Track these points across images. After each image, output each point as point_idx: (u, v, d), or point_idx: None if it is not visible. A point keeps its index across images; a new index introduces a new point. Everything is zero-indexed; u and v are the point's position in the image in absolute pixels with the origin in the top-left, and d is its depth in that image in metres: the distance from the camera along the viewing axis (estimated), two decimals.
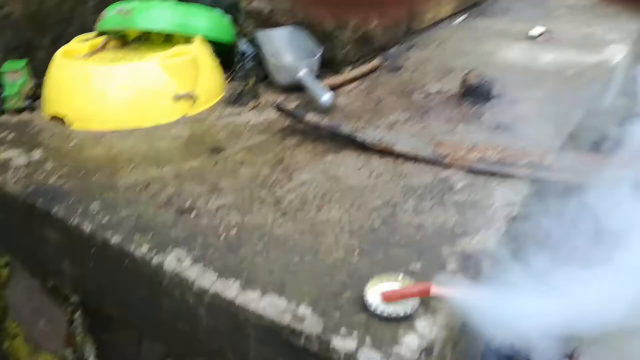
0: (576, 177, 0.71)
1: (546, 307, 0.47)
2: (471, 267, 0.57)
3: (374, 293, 0.52)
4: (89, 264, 0.67)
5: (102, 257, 0.64)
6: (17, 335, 1.21)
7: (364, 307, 0.51)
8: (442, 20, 1.51)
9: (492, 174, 0.73)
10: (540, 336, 0.46)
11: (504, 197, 0.69)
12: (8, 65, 1.01)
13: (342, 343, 0.48)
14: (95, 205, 0.69)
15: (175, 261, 0.58)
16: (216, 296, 0.54)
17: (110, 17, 1.06)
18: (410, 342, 0.48)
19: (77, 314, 1.01)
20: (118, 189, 0.73)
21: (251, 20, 1.24)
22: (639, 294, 0.47)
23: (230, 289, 0.54)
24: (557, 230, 0.58)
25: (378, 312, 0.50)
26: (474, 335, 0.52)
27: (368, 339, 0.48)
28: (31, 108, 0.99)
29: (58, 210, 0.68)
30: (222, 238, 0.62)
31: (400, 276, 0.54)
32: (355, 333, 0.49)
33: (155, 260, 0.59)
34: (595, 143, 0.97)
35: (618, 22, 1.53)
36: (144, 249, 0.61)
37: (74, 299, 0.99)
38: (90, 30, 1.21)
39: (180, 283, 0.57)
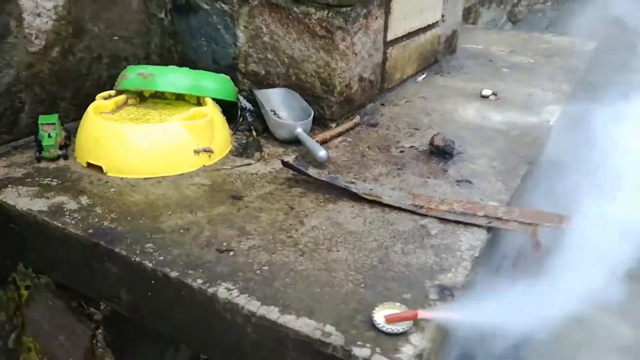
0: (522, 229, 0.93)
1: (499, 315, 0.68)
2: (447, 296, 0.78)
3: (379, 316, 0.72)
4: (147, 292, 0.83)
5: (161, 288, 0.81)
6: (31, 349, 1.33)
7: (373, 326, 0.71)
8: (407, 78, 1.76)
9: (458, 222, 0.95)
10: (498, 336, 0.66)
11: (468, 241, 0.91)
12: (43, 119, 1.16)
13: (360, 351, 0.67)
14: (149, 246, 0.86)
15: (226, 292, 0.76)
16: (262, 318, 0.73)
17: (132, 79, 1.23)
18: (407, 350, 0.68)
19: (99, 330, 1.16)
20: (165, 232, 0.90)
21: (248, 80, 1.44)
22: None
23: (272, 313, 0.73)
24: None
25: (383, 330, 0.70)
26: (449, 346, 0.73)
27: (378, 349, 0.68)
28: (65, 156, 1.15)
29: (120, 249, 0.85)
30: (257, 273, 0.81)
31: (398, 304, 0.74)
32: (368, 344, 0.68)
33: (210, 291, 0.77)
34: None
35: (554, 82, 1.83)
36: (199, 282, 0.78)
37: (98, 316, 1.14)
38: (103, 83, 1.38)
39: (231, 308, 0.75)
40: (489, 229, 0.94)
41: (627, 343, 2.48)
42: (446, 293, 0.78)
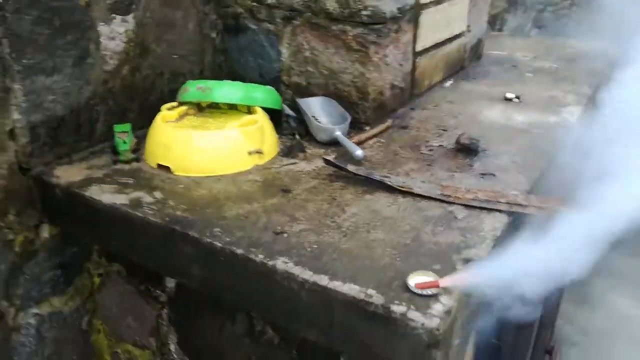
0: (539, 212, 1.06)
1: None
2: (473, 267, 0.91)
3: (412, 282, 0.86)
4: (216, 267, 0.99)
5: (229, 263, 0.97)
6: (100, 331, 1.51)
7: (408, 289, 0.85)
8: (435, 84, 1.89)
9: (482, 209, 1.08)
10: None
11: (491, 224, 1.04)
12: (118, 128, 1.35)
13: (397, 308, 0.81)
14: (217, 230, 1.02)
15: (283, 264, 0.92)
16: (314, 284, 0.88)
17: (192, 92, 1.40)
18: (437, 307, 0.81)
19: (165, 310, 1.33)
20: (228, 219, 1.06)
21: (290, 90, 1.60)
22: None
23: (322, 280, 0.88)
24: None
25: (417, 292, 0.84)
26: (475, 304, 0.86)
27: (412, 306, 0.82)
28: (137, 159, 1.33)
29: (193, 233, 1.01)
30: (308, 250, 0.96)
31: (429, 272, 0.88)
32: (404, 303, 0.82)
33: (270, 264, 0.92)
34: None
35: (574, 85, 1.93)
36: (261, 257, 0.94)
37: (163, 298, 1.31)
38: (165, 96, 1.57)
39: (288, 277, 0.90)
40: (510, 214, 1.07)
41: None
42: (471, 264, 0.91)
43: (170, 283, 1.28)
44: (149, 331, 1.40)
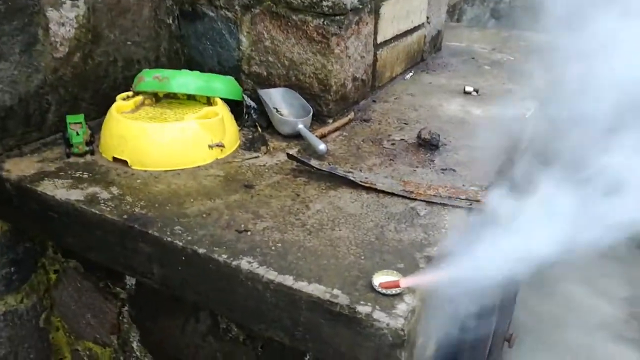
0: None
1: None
2: (433, 265, 0.92)
3: (377, 281, 0.86)
4: (177, 267, 0.97)
5: (190, 262, 0.95)
6: (59, 328, 1.46)
7: (372, 289, 0.85)
8: (396, 77, 1.90)
9: (444, 205, 1.10)
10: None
11: (451, 221, 1.05)
12: (71, 119, 1.28)
13: (362, 308, 0.82)
14: (177, 228, 1.00)
15: (247, 264, 0.90)
16: (279, 284, 0.87)
17: (148, 82, 1.35)
18: (401, 307, 0.82)
19: (125, 308, 1.30)
20: (189, 216, 1.04)
21: (251, 80, 1.57)
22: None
23: (287, 280, 0.87)
24: None
25: (381, 292, 0.85)
26: (439, 303, 0.88)
27: (377, 306, 0.82)
28: (92, 152, 1.27)
29: (153, 231, 0.98)
30: (273, 249, 0.95)
31: (393, 271, 0.89)
32: (369, 303, 0.83)
33: (234, 264, 0.91)
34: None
35: (531, 79, 1.98)
36: (224, 256, 0.92)
37: (123, 295, 1.28)
38: (120, 85, 1.51)
39: (252, 277, 0.89)
40: (469, 210, 1.09)
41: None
42: (433, 263, 0.92)
43: (131, 280, 1.25)
44: (109, 328, 1.37)
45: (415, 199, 1.12)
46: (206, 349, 1.21)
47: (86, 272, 1.32)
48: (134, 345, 1.34)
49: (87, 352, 1.47)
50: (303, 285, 0.86)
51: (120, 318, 1.32)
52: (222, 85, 1.40)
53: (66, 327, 1.46)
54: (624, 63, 1.11)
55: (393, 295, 0.84)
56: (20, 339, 1.41)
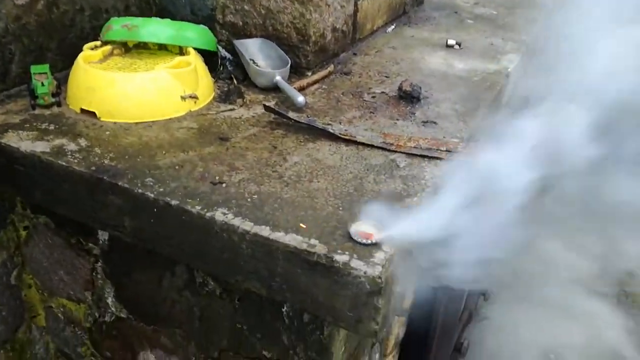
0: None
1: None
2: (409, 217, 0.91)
3: (355, 231, 0.85)
4: (150, 219, 0.94)
5: (163, 215, 0.92)
6: (31, 285, 1.43)
7: (350, 239, 0.84)
8: (377, 29, 1.85)
9: (424, 157, 1.08)
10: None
11: (432, 172, 1.04)
12: (35, 69, 1.22)
13: (340, 257, 0.80)
14: (149, 180, 0.96)
15: (222, 215, 0.88)
16: (255, 235, 0.85)
17: (117, 30, 1.29)
18: (379, 256, 0.81)
19: (99, 263, 1.27)
20: (161, 168, 1.00)
21: (225, 31, 1.51)
22: None
23: (264, 231, 0.85)
24: None
25: (359, 241, 0.83)
26: (413, 252, 0.86)
27: (355, 255, 0.81)
28: (58, 103, 1.22)
29: (123, 183, 0.95)
30: (249, 201, 0.92)
31: (371, 221, 0.87)
32: (347, 252, 0.81)
33: (208, 215, 0.88)
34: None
35: (513, 33, 1.95)
36: (198, 208, 0.89)
37: (96, 251, 1.25)
38: (86, 35, 1.44)
39: (227, 229, 0.87)
40: (450, 161, 1.07)
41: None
42: (405, 215, 0.91)
43: (104, 235, 1.21)
44: (83, 285, 1.34)
45: (396, 151, 1.10)
46: (183, 304, 1.19)
47: (57, 228, 1.28)
48: (109, 301, 1.32)
49: (62, 309, 1.44)
50: (280, 236, 0.84)
51: (94, 274, 1.29)
52: (195, 34, 1.34)
53: (39, 284, 1.42)
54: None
55: (370, 245, 0.82)
56: None
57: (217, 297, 1.12)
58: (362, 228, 0.85)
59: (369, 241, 0.82)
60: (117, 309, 1.32)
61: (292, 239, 0.83)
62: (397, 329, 1.62)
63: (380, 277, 0.77)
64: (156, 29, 1.29)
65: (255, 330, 1.10)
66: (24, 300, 1.45)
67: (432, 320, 1.67)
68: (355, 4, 1.60)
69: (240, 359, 1.17)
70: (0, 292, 1.40)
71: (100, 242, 1.24)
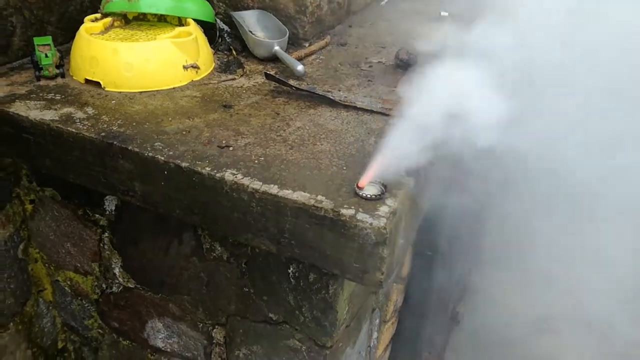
0: None
1: None
2: (413, 174, 0.94)
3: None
4: (160, 182, 0.97)
5: (173, 177, 0.95)
6: (38, 259, 1.46)
7: (356, 194, 0.87)
8: (372, 2, 1.87)
9: None
10: None
11: None
12: (38, 40, 1.23)
13: (347, 211, 0.84)
14: (158, 144, 0.99)
15: (231, 176, 0.91)
16: (264, 193, 0.88)
17: (117, 2, 1.30)
18: (383, 209, 0.85)
19: (105, 234, 1.30)
20: (169, 134, 1.03)
21: (222, 3, 1.52)
22: None
23: (272, 189, 0.88)
24: None
25: (364, 196, 0.87)
26: (417, 207, 0.90)
27: (360, 209, 0.84)
28: (62, 75, 1.23)
29: (133, 147, 0.97)
30: (256, 162, 0.95)
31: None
32: (353, 207, 0.85)
33: (218, 175, 0.91)
34: None
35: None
36: (208, 169, 0.92)
37: (103, 222, 1.28)
38: (86, 8, 1.45)
39: (237, 188, 0.90)
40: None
41: None
42: (413, 171, 0.95)
43: (110, 206, 1.24)
44: (90, 256, 1.37)
45: (394, 116, 1.13)
46: (190, 270, 1.23)
47: (63, 200, 1.31)
48: (116, 271, 1.35)
49: (68, 282, 1.47)
50: (288, 193, 0.87)
51: (101, 245, 1.32)
52: (194, 5, 1.36)
53: (45, 257, 1.45)
54: None
55: (375, 199, 0.86)
56: None
57: (224, 261, 1.16)
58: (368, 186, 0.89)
59: (374, 196, 0.86)
60: (125, 279, 1.36)
61: (299, 196, 0.87)
62: (396, 297, 1.67)
63: (385, 228, 0.81)
64: (156, 1, 1.31)
65: (262, 292, 1.14)
66: (30, 274, 1.47)
67: (429, 290, 1.73)
68: None
69: (247, 323, 1.21)
70: (8, 266, 1.42)
71: (107, 212, 1.27)
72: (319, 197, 0.86)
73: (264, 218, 0.90)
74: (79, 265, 1.40)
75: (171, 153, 0.96)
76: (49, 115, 1.07)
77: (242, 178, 0.90)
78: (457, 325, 2.29)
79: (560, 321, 2.54)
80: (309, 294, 1.07)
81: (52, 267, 1.46)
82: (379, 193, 0.87)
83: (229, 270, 1.17)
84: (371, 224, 0.81)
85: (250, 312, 1.19)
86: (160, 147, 0.98)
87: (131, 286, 1.36)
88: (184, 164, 0.94)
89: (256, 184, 0.89)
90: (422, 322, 1.83)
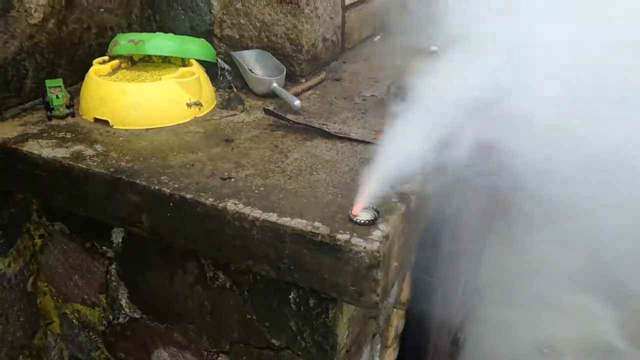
0: None
1: None
2: (405, 199, 1.00)
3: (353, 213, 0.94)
4: (166, 214, 1.03)
5: (178, 208, 1.01)
6: (46, 293, 1.50)
7: (350, 220, 0.93)
8: (365, 39, 1.96)
9: None
10: None
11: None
12: (50, 83, 1.31)
13: (342, 236, 0.89)
14: (164, 178, 1.05)
15: (233, 205, 0.97)
16: (264, 221, 0.94)
17: (124, 45, 1.39)
18: (376, 233, 0.90)
19: (113, 266, 1.34)
20: (174, 167, 1.09)
21: (223, 44, 1.61)
22: None
23: (272, 217, 0.94)
24: None
25: (358, 222, 0.92)
26: (411, 232, 0.96)
27: (355, 234, 0.90)
28: (72, 114, 1.31)
29: (140, 181, 1.03)
30: (256, 192, 1.01)
31: (369, 206, 0.96)
32: (348, 232, 0.90)
33: (221, 206, 0.97)
34: None
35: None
36: (211, 200, 0.98)
37: (110, 254, 1.33)
38: (93, 51, 1.53)
39: (239, 217, 0.95)
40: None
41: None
42: (404, 197, 1.00)
43: (117, 238, 1.29)
44: (97, 288, 1.41)
45: None
46: (194, 299, 1.27)
47: (72, 234, 1.36)
48: (123, 302, 1.39)
49: (76, 315, 1.51)
50: (286, 220, 0.93)
51: (108, 277, 1.37)
52: (196, 47, 1.44)
53: (53, 290, 1.49)
54: None
55: (369, 225, 0.92)
56: (10, 302, 1.44)
57: (228, 289, 1.21)
58: (362, 213, 0.94)
59: (367, 222, 0.92)
60: (131, 310, 1.40)
61: (297, 223, 0.92)
62: (397, 322, 1.70)
63: (378, 251, 0.86)
64: (160, 43, 1.39)
65: (264, 319, 1.18)
66: (39, 307, 1.52)
67: (430, 315, 1.76)
68: (343, 16, 1.72)
69: (250, 349, 1.24)
70: (18, 299, 1.47)
71: (114, 244, 1.32)
72: (316, 224, 0.92)
73: (264, 244, 0.95)
74: (86, 297, 1.45)
75: (176, 186, 1.02)
76: (60, 153, 1.13)
77: (243, 207, 0.96)
78: (460, 350, 2.30)
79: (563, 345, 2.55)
80: (309, 319, 1.11)
81: (60, 300, 1.51)
82: (372, 218, 0.92)
83: (232, 297, 1.21)
84: (365, 247, 0.87)
85: (253, 339, 1.23)
86: (166, 181, 1.04)
87: (137, 316, 1.40)
88: (188, 196, 1.00)
89: (256, 213, 0.95)
90: (424, 347, 1.85)
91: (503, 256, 2.92)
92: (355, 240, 0.88)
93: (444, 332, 2.01)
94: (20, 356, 1.48)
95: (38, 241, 1.45)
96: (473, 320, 2.53)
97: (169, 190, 1.01)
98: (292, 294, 1.11)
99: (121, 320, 1.44)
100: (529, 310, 2.65)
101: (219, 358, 1.31)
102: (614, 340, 2.60)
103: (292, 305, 1.12)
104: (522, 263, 2.88)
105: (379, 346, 1.56)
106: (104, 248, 1.34)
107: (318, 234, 0.90)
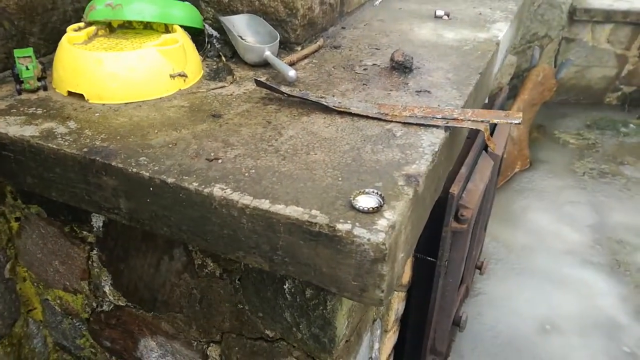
0: (473, 125, 1.05)
1: None
2: (412, 182, 0.90)
3: (356, 199, 0.83)
4: (145, 199, 0.92)
5: (159, 193, 0.90)
6: (26, 278, 1.41)
7: (352, 207, 0.82)
8: (365, 2, 1.82)
9: (420, 125, 1.07)
10: None
11: (428, 140, 1.02)
12: (18, 52, 1.18)
13: (342, 226, 0.79)
14: (143, 159, 0.94)
15: (220, 191, 0.86)
16: (255, 209, 0.83)
17: (100, 10, 1.25)
18: (382, 223, 0.80)
19: (94, 251, 1.25)
20: (154, 147, 0.98)
21: (211, 8, 1.47)
22: None
23: (264, 204, 0.83)
24: None
25: (361, 209, 0.82)
26: (418, 218, 0.85)
27: (357, 223, 0.79)
28: (45, 87, 1.19)
29: (116, 163, 0.92)
30: (246, 175, 0.91)
31: (372, 190, 0.86)
32: (349, 221, 0.80)
33: (206, 191, 0.86)
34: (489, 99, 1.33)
35: (501, 2, 1.93)
36: (195, 184, 0.87)
37: (91, 238, 1.23)
38: (69, 17, 1.40)
39: (227, 204, 0.85)
40: (447, 128, 1.06)
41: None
42: (412, 180, 0.90)
43: (98, 222, 1.19)
44: (79, 274, 1.32)
45: (391, 121, 1.09)
46: (182, 287, 1.18)
47: (50, 217, 1.26)
48: (106, 289, 1.30)
49: (58, 301, 1.42)
50: (280, 208, 0.82)
51: (90, 263, 1.27)
52: (181, 11, 1.31)
53: (33, 276, 1.40)
54: None
55: (373, 212, 0.81)
56: None
57: (217, 278, 1.11)
58: (364, 198, 0.84)
59: (371, 209, 0.81)
60: (115, 297, 1.31)
61: (292, 211, 0.82)
62: (397, 305, 1.62)
63: (384, 244, 0.76)
64: (141, 7, 1.26)
65: (257, 309, 1.09)
66: (19, 294, 1.42)
67: (431, 296, 1.68)
68: None
69: (243, 340, 1.16)
70: None
71: (95, 229, 1.22)
72: (313, 212, 0.82)
73: (255, 235, 0.85)
74: (67, 283, 1.35)
75: (156, 168, 0.91)
76: (29, 131, 1.02)
77: (232, 193, 0.86)
78: (461, 331, 2.24)
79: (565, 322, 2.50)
80: (306, 311, 1.02)
81: (41, 286, 1.41)
82: (377, 205, 0.82)
83: (222, 286, 1.12)
84: (369, 239, 0.77)
85: (246, 329, 1.14)
86: (145, 162, 0.93)
87: (122, 304, 1.31)
88: (169, 180, 0.89)
89: (246, 199, 0.84)
90: (425, 329, 1.78)
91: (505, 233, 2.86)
92: (358, 230, 0.78)
93: (445, 313, 1.94)
94: None
95: (14, 224, 1.34)
96: (474, 299, 2.47)
97: (147, 174, 0.90)
98: (287, 284, 1.02)
99: (105, 307, 1.35)
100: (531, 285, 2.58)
101: (209, 348, 1.23)
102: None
103: (287, 296, 1.03)
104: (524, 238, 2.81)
105: (378, 331, 1.48)
106: (84, 233, 1.24)
107: (316, 223, 0.80)
